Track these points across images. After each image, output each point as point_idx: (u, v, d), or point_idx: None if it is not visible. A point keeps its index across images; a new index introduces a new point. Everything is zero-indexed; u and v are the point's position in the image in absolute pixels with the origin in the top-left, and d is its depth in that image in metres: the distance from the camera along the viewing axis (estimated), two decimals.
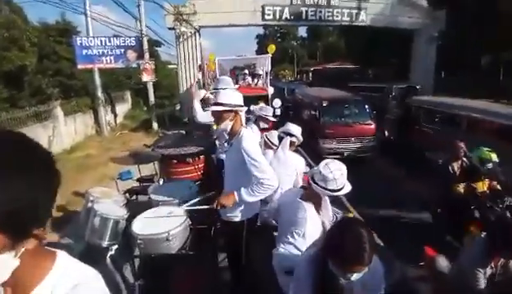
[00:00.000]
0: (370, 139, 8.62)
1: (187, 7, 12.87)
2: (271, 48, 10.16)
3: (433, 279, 2.56)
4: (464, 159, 4.39)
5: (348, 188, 2.09)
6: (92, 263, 0.87)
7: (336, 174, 2.00)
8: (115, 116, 15.12)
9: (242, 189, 2.41)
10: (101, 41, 12.29)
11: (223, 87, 3.80)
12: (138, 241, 2.67)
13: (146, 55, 12.77)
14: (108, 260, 2.46)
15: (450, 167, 4.37)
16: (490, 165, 4.07)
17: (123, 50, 12.53)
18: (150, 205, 3.26)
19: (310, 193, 2.17)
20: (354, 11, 14.80)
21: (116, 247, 2.61)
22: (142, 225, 2.78)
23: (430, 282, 2.66)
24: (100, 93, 12.64)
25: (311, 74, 36.53)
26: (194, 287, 2.73)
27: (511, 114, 6.22)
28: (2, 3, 11.44)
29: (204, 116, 3.83)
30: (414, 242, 3.89)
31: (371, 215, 5.23)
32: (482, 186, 4.10)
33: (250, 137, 2.47)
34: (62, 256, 0.83)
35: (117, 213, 2.70)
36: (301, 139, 3.63)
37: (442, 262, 2.54)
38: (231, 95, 2.55)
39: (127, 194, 3.82)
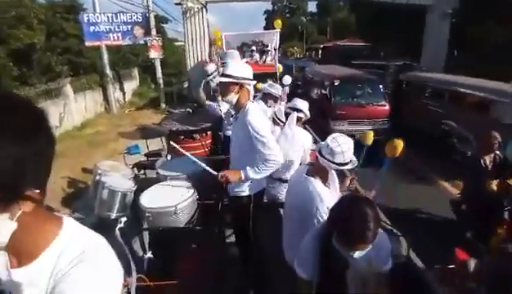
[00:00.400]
0: (384, 121, 8.25)
1: None
2: (278, 23, 9.80)
3: (464, 284, 2.25)
4: (497, 152, 3.90)
5: (354, 163, 2.07)
6: (103, 235, 0.86)
7: (344, 147, 1.98)
8: (124, 93, 15.13)
9: (248, 168, 2.39)
10: (108, 17, 12.12)
11: (230, 61, 3.76)
12: (146, 214, 2.71)
13: (153, 32, 12.57)
14: (117, 232, 2.49)
15: (482, 161, 3.86)
16: None
17: (130, 26, 12.34)
18: (157, 179, 3.29)
19: (316, 167, 2.16)
20: None
21: (125, 219, 2.65)
22: (150, 199, 2.81)
23: (460, 287, 2.32)
24: (108, 70, 12.64)
25: (320, 51, 35.65)
26: (201, 261, 2.77)
27: (481, 86, 7.00)
28: None
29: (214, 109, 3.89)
30: (431, 238, 3.66)
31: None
32: None
33: (256, 111, 2.43)
34: (69, 221, 0.81)
35: (124, 186, 2.73)
36: (308, 114, 3.56)
37: (476, 267, 2.22)
38: (238, 67, 2.49)
39: (135, 169, 3.84)
